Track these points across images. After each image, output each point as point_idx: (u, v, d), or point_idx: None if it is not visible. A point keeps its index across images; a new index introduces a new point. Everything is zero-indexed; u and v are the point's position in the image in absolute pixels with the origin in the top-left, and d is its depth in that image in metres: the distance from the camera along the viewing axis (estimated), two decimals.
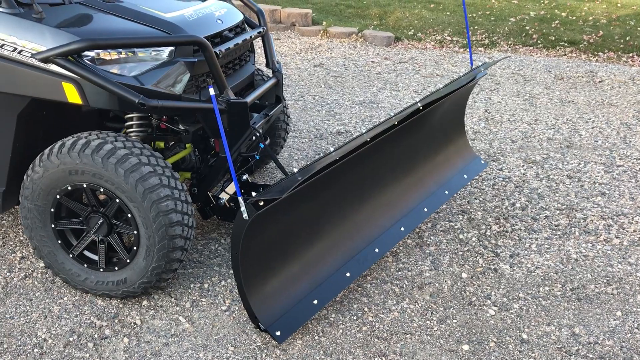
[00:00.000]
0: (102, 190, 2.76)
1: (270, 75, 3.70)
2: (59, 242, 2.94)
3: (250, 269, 2.60)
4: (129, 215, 2.76)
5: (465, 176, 4.02)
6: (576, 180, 4.41)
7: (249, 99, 3.18)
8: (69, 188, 2.80)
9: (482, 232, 3.71)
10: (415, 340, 2.80)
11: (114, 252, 2.93)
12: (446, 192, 3.82)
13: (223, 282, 3.17)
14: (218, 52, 3.00)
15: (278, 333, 2.63)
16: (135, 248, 2.82)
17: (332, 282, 2.89)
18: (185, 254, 2.87)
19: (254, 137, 3.18)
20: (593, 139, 5.17)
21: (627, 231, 3.75)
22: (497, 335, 2.84)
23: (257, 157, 3.32)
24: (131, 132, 3.05)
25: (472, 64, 4.03)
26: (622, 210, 3.99)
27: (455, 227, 3.76)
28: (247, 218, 2.41)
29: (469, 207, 4.00)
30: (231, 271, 3.26)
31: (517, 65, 7.41)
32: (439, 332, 2.86)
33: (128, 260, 2.86)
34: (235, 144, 3.04)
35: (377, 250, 3.14)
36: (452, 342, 2.80)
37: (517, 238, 3.65)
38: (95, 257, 2.95)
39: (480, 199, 4.12)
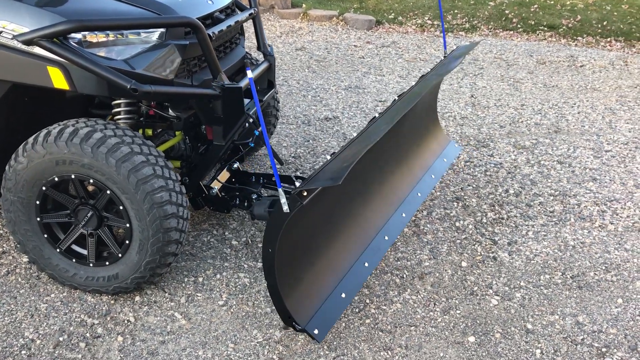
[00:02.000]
0: (91, 181, 2.61)
1: (262, 58, 3.56)
2: (45, 236, 2.78)
3: (284, 267, 2.45)
4: (121, 208, 2.62)
5: (445, 160, 3.97)
6: (567, 165, 4.39)
7: (242, 83, 3.04)
8: (56, 179, 2.64)
9: (478, 220, 3.65)
10: (420, 333, 2.73)
11: (104, 246, 2.79)
12: (432, 176, 3.78)
13: (218, 276, 3.04)
14: (211, 35, 2.85)
15: (316, 331, 2.52)
16: (127, 242, 2.68)
17: (354, 273, 2.79)
18: (180, 247, 2.74)
19: (246, 124, 3.05)
20: (580, 124, 5.16)
21: (620, 217, 3.73)
22: (501, 326, 2.79)
23: (252, 145, 3.19)
24: (118, 119, 2.89)
25: (445, 47, 3.96)
26: (614, 195, 3.98)
27: (451, 214, 3.70)
28: (289, 211, 2.24)
29: (462, 194, 3.94)
30: (226, 264, 3.14)
31: (498, 49, 7.38)
32: (444, 324, 2.79)
33: (120, 255, 2.72)
34: (230, 131, 2.91)
35: (386, 237, 3.05)
36: (457, 333, 2.74)
37: (514, 225, 3.61)
38: (85, 252, 2.80)
39: (474, 185, 4.06)
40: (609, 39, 7.94)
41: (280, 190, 2.23)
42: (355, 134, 4.76)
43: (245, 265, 3.13)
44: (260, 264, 3.15)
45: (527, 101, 5.67)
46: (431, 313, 2.86)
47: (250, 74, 2.20)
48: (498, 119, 5.21)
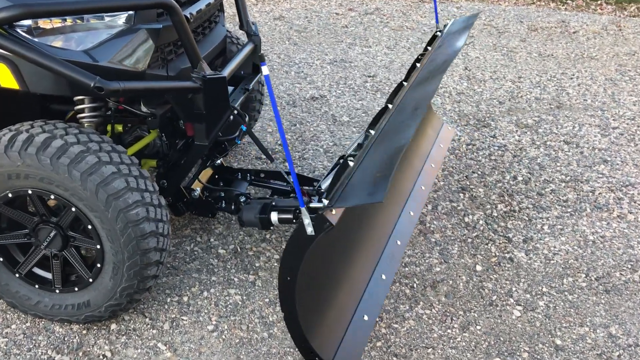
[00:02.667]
0: (52, 197, 2.19)
1: (246, 38, 3.13)
2: (1, 260, 2.37)
3: (304, 297, 2.08)
4: (89, 227, 2.22)
5: (442, 145, 3.62)
6: (574, 146, 4.08)
7: (226, 71, 2.63)
8: (10, 195, 2.22)
9: (488, 213, 3.33)
10: (438, 356, 2.42)
11: (72, 269, 2.39)
12: (432, 165, 3.42)
13: (205, 293, 2.67)
14: (188, 16, 2.42)
15: None
16: (99, 265, 2.29)
17: (373, 290, 2.40)
18: (161, 268, 2.36)
19: (231, 117, 2.64)
20: (582, 98, 4.85)
21: (639, 204, 3.45)
22: (528, 343, 2.49)
23: (239, 142, 2.78)
24: (82, 117, 2.45)
25: (437, 22, 3.52)
26: (628, 179, 3.70)
27: (458, 208, 3.37)
28: (314, 233, 1.89)
29: (468, 184, 3.60)
30: (213, 277, 2.77)
31: (487, 16, 6.99)
32: (464, 343, 2.48)
33: (90, 280, 2.33)
34: (214, 128, 2.50)
35: (399, 242, 2.68)
36: (480, 355, 2.43)
37: (527, 218, 3.30)
38: (49, 276, 2.39)
39: (479, 172, 3.73)
40: (599, 2, 7.60)
41: (303, 209, 1.85)
42: (345, 117, 4.37)
43: (235, 279, 2.77)
44: (252, 277, 2.78)
45: (523, 73, 5.33)
46: (449, 330, 2.54)
47: (265, 70, 1.80)
48: (496, 94, 4.86)
